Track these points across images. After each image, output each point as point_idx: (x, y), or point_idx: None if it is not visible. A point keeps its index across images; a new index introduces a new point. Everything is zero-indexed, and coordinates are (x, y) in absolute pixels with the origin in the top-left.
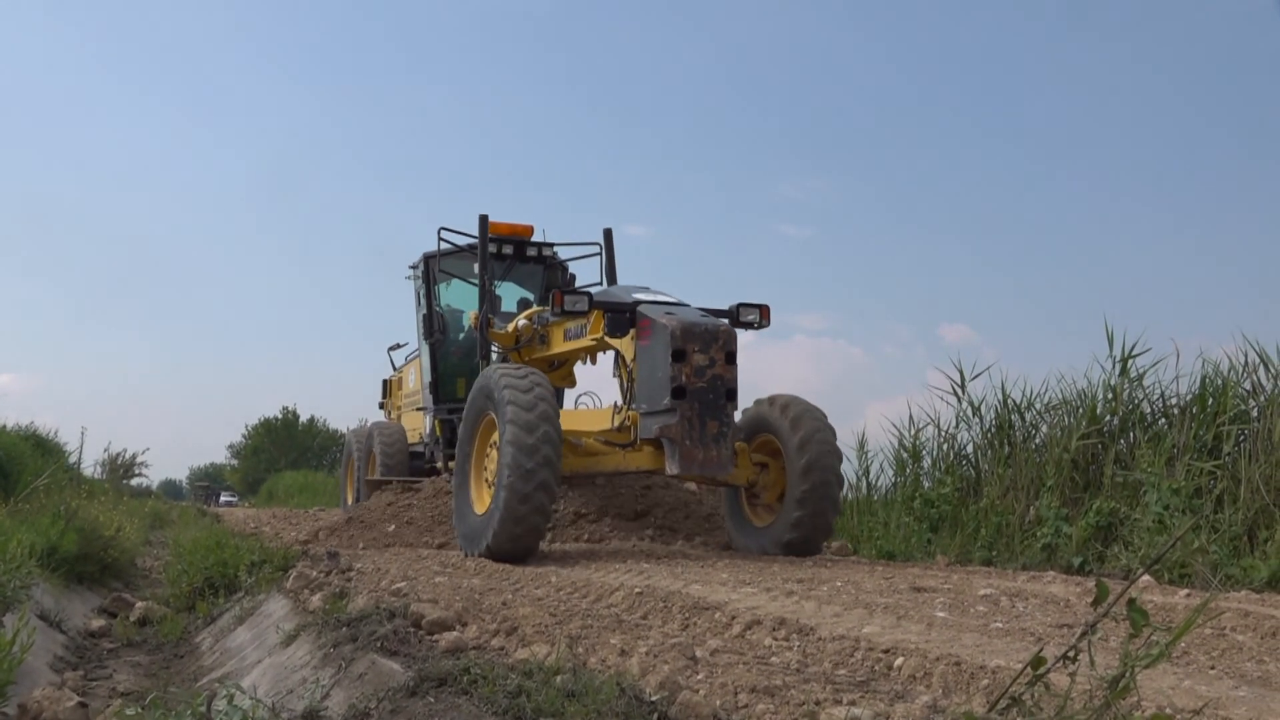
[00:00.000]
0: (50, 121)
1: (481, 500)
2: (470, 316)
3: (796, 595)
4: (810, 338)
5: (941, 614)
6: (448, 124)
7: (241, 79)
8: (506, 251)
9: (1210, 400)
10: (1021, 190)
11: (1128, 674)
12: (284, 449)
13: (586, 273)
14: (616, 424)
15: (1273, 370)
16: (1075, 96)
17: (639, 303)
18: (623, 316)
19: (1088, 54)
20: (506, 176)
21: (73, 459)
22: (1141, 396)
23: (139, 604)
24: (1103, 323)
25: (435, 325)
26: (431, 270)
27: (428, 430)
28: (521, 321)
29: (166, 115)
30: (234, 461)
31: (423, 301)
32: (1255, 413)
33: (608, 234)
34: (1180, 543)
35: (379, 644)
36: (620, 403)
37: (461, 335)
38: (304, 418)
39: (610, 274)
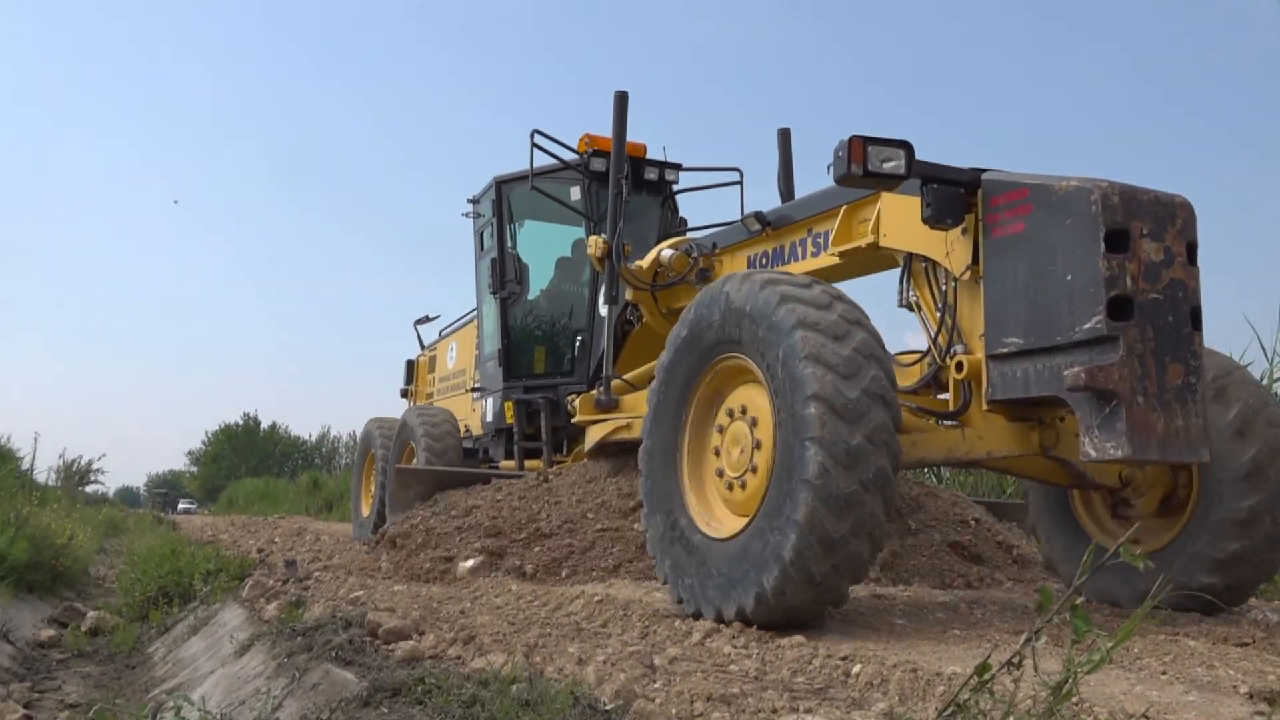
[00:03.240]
0: (12, 127)
1: (714, 515)
2: (594, 243)
3: None
4: None
5: (900, 621)
6: (411, 123)
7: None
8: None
9: None
10: None
11: (1070, 679)
12: (244, 456)
13: (700, 213)
14: (912, 383)
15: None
16: (1056, 102)
17: (983, 171)
18: (954, 194)
19: (1069, 55)
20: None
21: (25, 465)
22: None
23: (91, 614)
24: None
25: (511, 273)
26: (505, 200)
27: (489, 416)
28: (666, 252)
29: (145, 120)
30: (193, 468)
31: (490, 242)
32: None
33: (784, 135)
34: (1122, 550)
35: (334, 653)
36: (925, 348)
37: (535, 295)
38: (265, 424)
39: (788, 183)
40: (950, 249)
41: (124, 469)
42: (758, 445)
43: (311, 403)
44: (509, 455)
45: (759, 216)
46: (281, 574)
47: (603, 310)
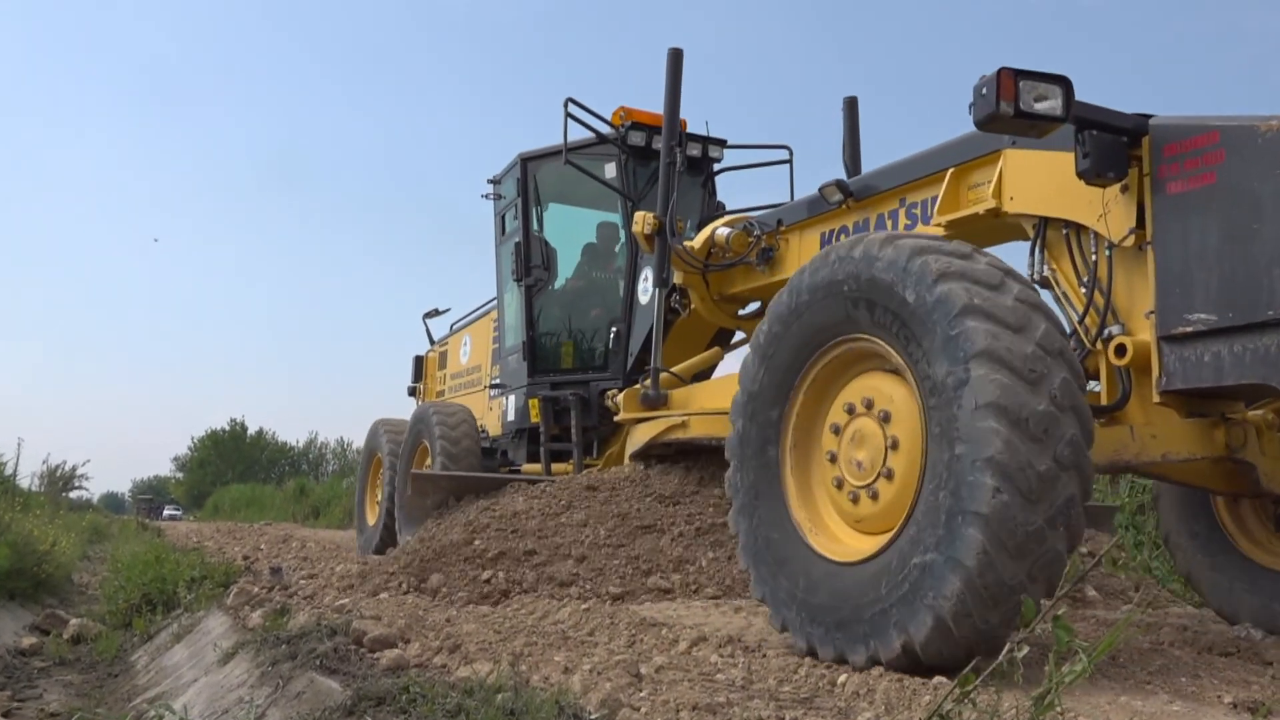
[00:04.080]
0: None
1: (826, 531)
2: (641, 220)
3: (745, 611)
4: None
5: None
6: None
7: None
8: (659, 148)
9: None
10: None
11: (1053, 690)
12: (231, 462)
13: (736, 194)
14: None
15: None
16: None
17: (1149, 116)
18: (1116, 143)
19: (1071, 55)
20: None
21: (8, 470)
22: None
23: (74, 621)
24: None
25: (537, 258)
26: (531, 179)
27: (511, 415)
28: (721, 231)
29: (134, 121)
30: (179, 474)
31: (512, 225)
32: None
33: (851, 104)
34: (1105, 560)
35: (318, 662)
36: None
37: (561, 283)
38: (252, 430)
39: (854, 155)
40: (1106, 210)
41: (109, 475)
42: (893, 450)
43: (299, 409)
44: (531, 458)
45: (840, 185)
46: (267, 581)
47: (643, 298)
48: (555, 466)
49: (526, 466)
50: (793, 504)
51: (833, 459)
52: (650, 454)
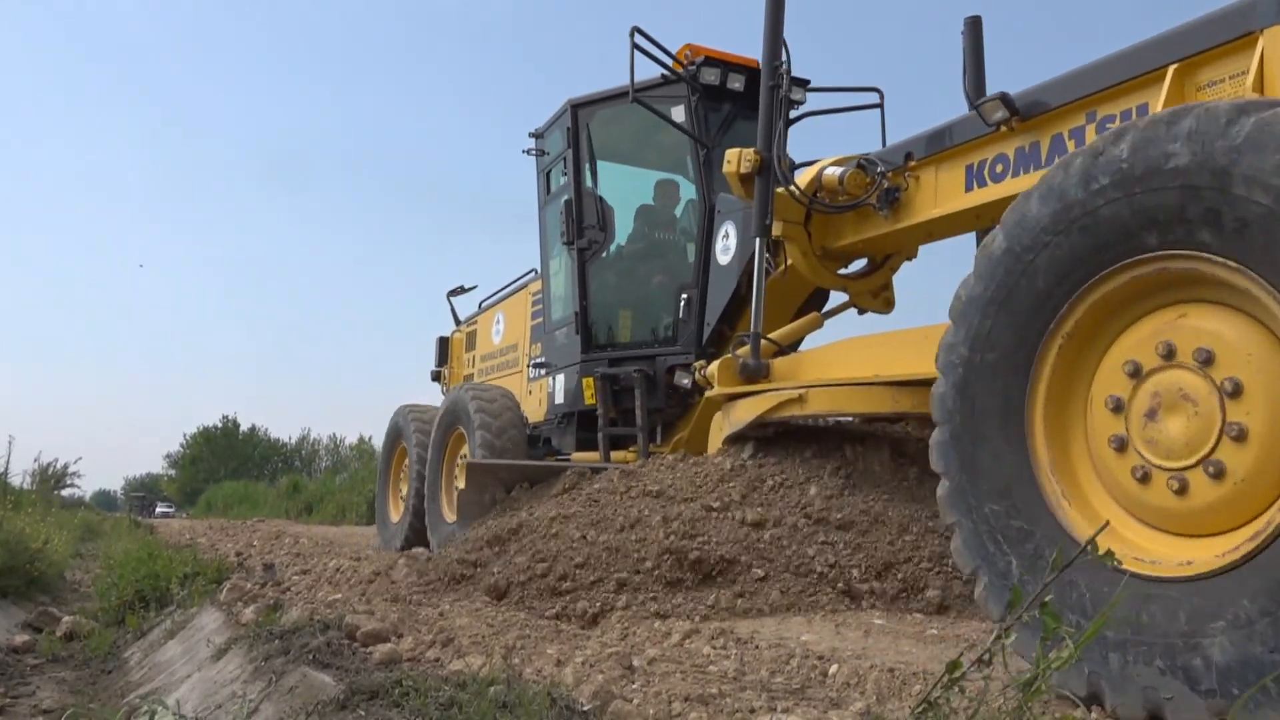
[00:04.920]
0: None
1: (1082, 501)
2: (735, 158)
3: None
4: None
5: (879, 621)
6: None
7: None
8: (735, 88)
9: None
10: None
11: (1041, 676)
12: (224, 459)
13: (804, 143)
14: None
15: None
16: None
17: None
18: None
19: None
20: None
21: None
22: None
23: (66, 618)
24: None
25: (592, 217)
26: (583, 129)
27: (560, 397)
28: (830, 170)
29: (121, 116)
30: (171, 471)
31: (559, 183)
32: None
33: (974, 24)
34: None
35: (311, 656)
36: None
37: (619, 244)
38: (244, 427)
39: (978, 81)
40: None
41: (101, 472)
42: (1238, 411)
43: (290, 405)
44: (582, 445)
45: (1005, 100)
46: (259, 577)
47: (722, 259)
48: (615, 454)
49: (576, 455)
50: (1041, 471)
51: (1117, 407)
52: (749, 436)
